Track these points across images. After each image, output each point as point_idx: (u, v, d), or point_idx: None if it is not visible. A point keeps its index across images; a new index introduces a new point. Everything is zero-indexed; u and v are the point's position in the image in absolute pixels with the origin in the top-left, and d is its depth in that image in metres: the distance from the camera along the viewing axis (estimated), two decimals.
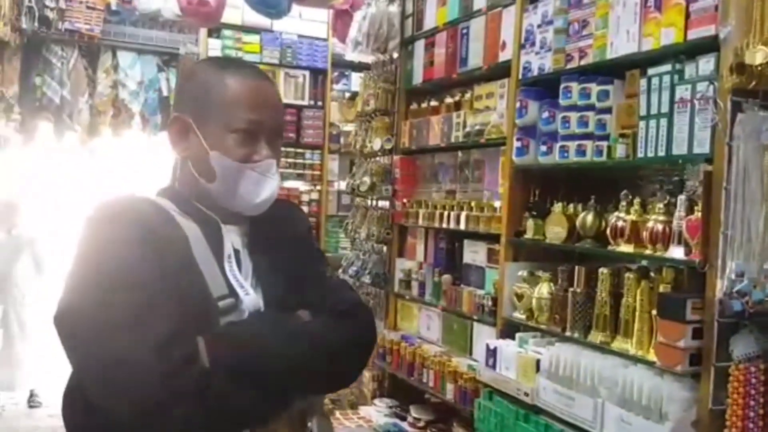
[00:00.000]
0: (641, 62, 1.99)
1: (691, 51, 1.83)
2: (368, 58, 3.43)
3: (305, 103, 5.24)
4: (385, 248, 3.42)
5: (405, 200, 3.24)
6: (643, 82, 1.94)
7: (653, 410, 1.83)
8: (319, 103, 5.26)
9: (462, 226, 2.82)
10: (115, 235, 1.08)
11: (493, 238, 2.67)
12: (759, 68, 1.62)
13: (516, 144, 2.45)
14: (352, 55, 3.51)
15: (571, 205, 2.31)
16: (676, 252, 1.87)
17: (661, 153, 1.88)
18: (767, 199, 1.65)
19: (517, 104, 2.44)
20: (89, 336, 1.02)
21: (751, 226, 1.65)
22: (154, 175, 4.30)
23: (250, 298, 1.19)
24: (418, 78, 3.15)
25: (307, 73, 5.20)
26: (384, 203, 3.36)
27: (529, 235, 2.45)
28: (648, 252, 1.97)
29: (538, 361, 2.26)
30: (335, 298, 1.27)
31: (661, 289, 1.93)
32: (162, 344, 1.01)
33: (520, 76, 2.45)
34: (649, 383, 1.86)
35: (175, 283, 1.09)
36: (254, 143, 1.20)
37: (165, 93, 5.17)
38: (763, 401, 1.73)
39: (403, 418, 3.10)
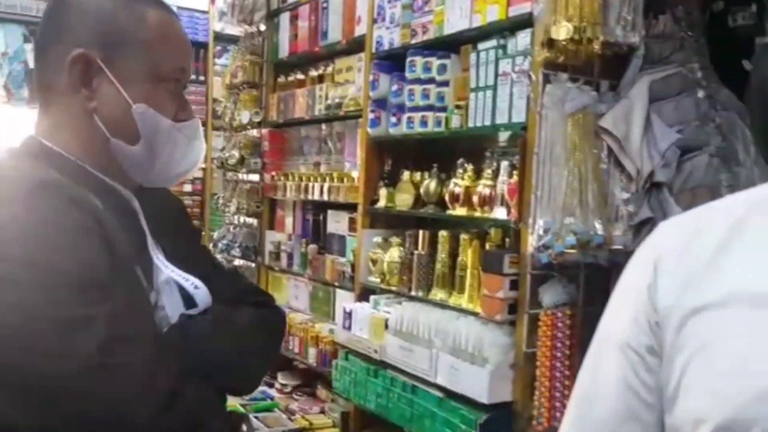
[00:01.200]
0: (474, 38, 2.15)
1: (513, 27, 2.00)
2: (235, 30, 3.46)
3: None
4: (255, 221, 3.47)
5: (274, 173, 3.30)
6: (473, 56, 2.10)
7: (477, 356, 2.00)
8: (201, 78, 5.20)
9: (326, 197, 2.93)
10: (61, 225, 0.81)
11: (354, 208, 2.79)
12: (564, 43, 1.79)
13: (370, 116, 2.57)
14: (217, 26, 3.51)
15: (418, 174, 2.46)
16: (500, 213, 2.05)
17: (488, 122, 2.05)
18: (569, 163, 1.84)
19: (371, 78, 2.56)
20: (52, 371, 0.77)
21: (555, 186, 1.84)
22: None
23: (202, 292, 0.99)
24: (284, 51, 3.22)
25: None
26: (254, 176, 3.41)
27: (382, 203, 2.58)
28: (477, 214, 2.14)
29: (387, 321, 2.40)
30: (241, 287, 1.14)
31: (488, 247, 2.11)
32: (147, 376, 0.81)
33: (373, 50, 2.57)
34: (474, 332, 2.04)
35: (128, 287, 0.87)
36: (179, 98, 0.98)
37: (32, 65, 4.96)
38: (569, 343, 1.93)
39: (271, 385, 3.19)
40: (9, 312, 0.76)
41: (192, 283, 0.97)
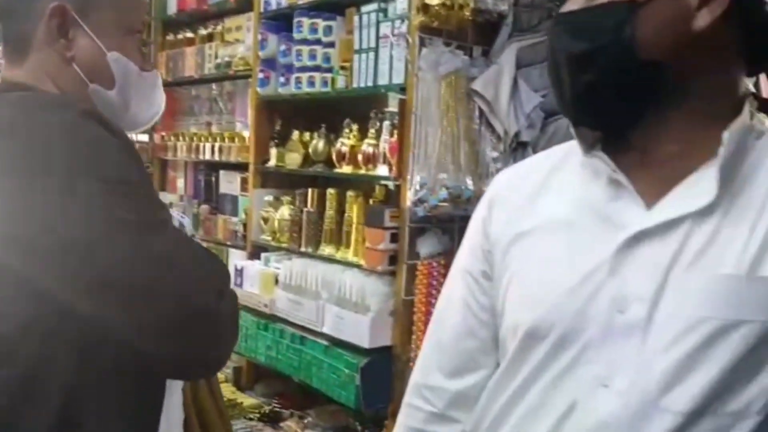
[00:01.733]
0: (358, 0, 2.22)
1: None
2: None
3: None
4: None
5: (164, 133, 3.28)
6: (357, 18, 2.18)
7: (360, 305, 2.13)
8: None
9: (217, 157, 2.95)
10: (108, 141, 0.87)
11: (245, 168, 2.83)
12: (437, 8, 1.90)
13: (259, 76, 2.61)
14: None
15: (307, 134, 2.53)
16: (382, 170, 2.16)
17: (370, 83, 2.15)
18: (443, 122, 1.97)
19: (259, 37, 2.59)
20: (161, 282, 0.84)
21: (429, 144, 1.96)
22: None
23: (188, 221, 1.08)
24: (172, 8, 3.17)
25: None
26: (143, 137, 3.36)
27: (272, 162, 2.64)
28: (362, 172, 2.25)
29: (276, 276, 2.48)
30: None
31: (372, 203, 2.22)
32: (206, 271, 0.90)
33: (261, 10, 2.59)
34: (358, 283, 2.16)
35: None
36: (141, 50, 1.05)
37: None
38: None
39: None
40: (100, 223, 0.82)
41: (178, 213, 1.05)
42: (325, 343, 2.23)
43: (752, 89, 1.99)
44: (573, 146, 0.90)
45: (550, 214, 0.84)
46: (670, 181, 0.76)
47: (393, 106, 2.13)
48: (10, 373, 0.83)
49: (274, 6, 2.53)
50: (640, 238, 0.75)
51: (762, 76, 1.93)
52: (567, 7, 0.80)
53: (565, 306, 0.77)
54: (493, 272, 0.89)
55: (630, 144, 0.79)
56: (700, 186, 0.74)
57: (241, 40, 2.80)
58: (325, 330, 2.23)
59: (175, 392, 0.99)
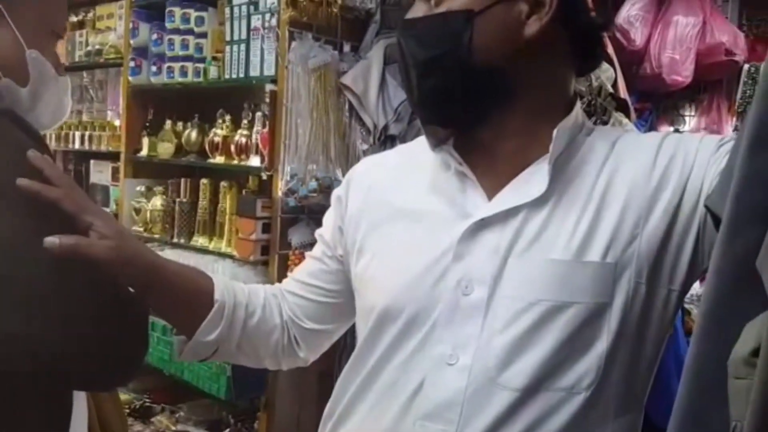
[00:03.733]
0: None
1: None
2: None
3: None
4: None
5: None
6: (228, 10, 2.18)
7: None
8: None
9: (87, 147, 2.85)
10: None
11: (117, 157, 2.76)
12: (305, 3, 1.95)
13: (131, 64, 2.56)
14: None
15: (180, 123, 2.50)
16: (255, 161, 2.19)
17: (242, 74, 2.16)
18: (313, 115, 2.02)
19: (131, 25, 2.53)
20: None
21: (300, 136, 2.01)
22: None
23: None
24: None
25: None
26: None
27: (144, 152, 2.60)
28: (235, 162, 2.26)
29: None
30: None
31: (245, 194, 2.24)
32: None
33: None
34: (230, 273, 2.17)
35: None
36: (56, 55, 1.01)
37: None
38: None
39: None
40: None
41: None
42: None
43: (611, 90, 2.16)
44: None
45: (403, 203, 0.89)
46: (509, 174, 0.82)
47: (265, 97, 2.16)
48: None
49: None
50: (481, 225, 0.80)
51: (620, 78, 2.13)
52: (411, 14, 0.84)
53: (415, 289, 0.82)
54: (340, 248, 0.94)
55: (475, 140, 0.85)
56: (534, 179, 0.80)
57: (113, 27, 2.73)
58: None
59: (80, 398, 0.98)
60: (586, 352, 0.76)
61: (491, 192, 0.83)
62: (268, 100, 2.10)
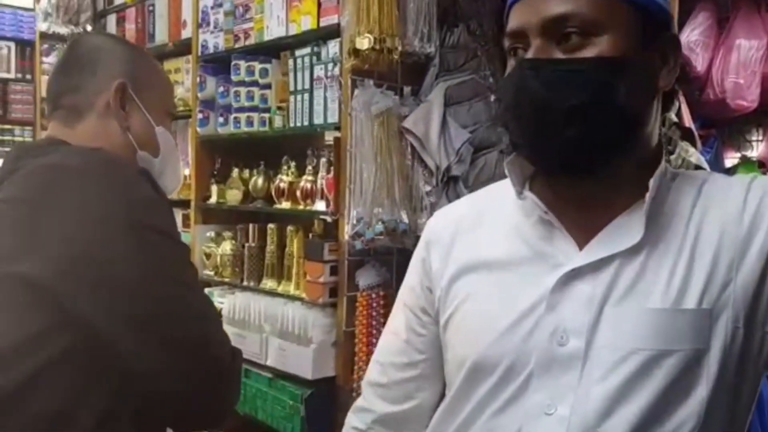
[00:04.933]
0: (292, 44, 2.31)
1: (324, 36, 2.19)
2: (61, 30, 3.39)
3: (12, 76, 4.94)
4: None
5: None
6: (291, 62, 2.27)
7: (303, 337, 2.19)
8: (29, 77, 4.98)
9: None
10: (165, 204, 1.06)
11: (187, 205, 2.87)
12: (366, 52, 2.01)
13: (198, 116, 2.67)
14: (42, 26, 3.44)
15: (246, 170, 2.59)
16: (320, 205, 2.24)
17: (306, 122, 2.23)
18: (376, 158, 2.06)
19: (198, 79, 2.65)
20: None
21: (365, 180, 2.06)
22: None
23: None
24: None
25: (12, 44, 4.91)
26: None
27: (213, 199, 2.69)
28: (301, 207, 2.32)
29: (221, 310, 2.52)
30: None
31: (311, 237, 2.29)
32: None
33: (199, 53, 2.66)
34: (300, 315, 2.21)
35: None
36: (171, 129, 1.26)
37: None
38: (383, 321, 2.16)
39: None
40: (153, 270, 0.95)
41: None
42: (269, 375, 2.28)
43: (675, 119, 2.13)
44: (502, 187, 0.96)
45: (486, 253, 0.89)
46: (598, 223, 0.82)
47: (330, 145, 2.22)
48: (41, 408, 0.86)
49: (211, 50, 2.61)
50: (574, 275, 0.80)
51: (684, 106, 2.10)
52: (539, 54, 0.78)
53: (508, 341, 0.82)
54: (433, 309, 0.95)
55: (571, 188, 0.84)
56: (628, 227, 0.80)
57: (180, 81, 2.85)
58: (269, 363, 2.27)
59: None
60: (687, 399, 0.76)
61: (580, 241, 0.83)
62: (331, 145, 2.16)
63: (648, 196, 0.79)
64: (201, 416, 1.01)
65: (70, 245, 0.90)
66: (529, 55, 0.79)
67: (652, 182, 0.80)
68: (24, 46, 4.95)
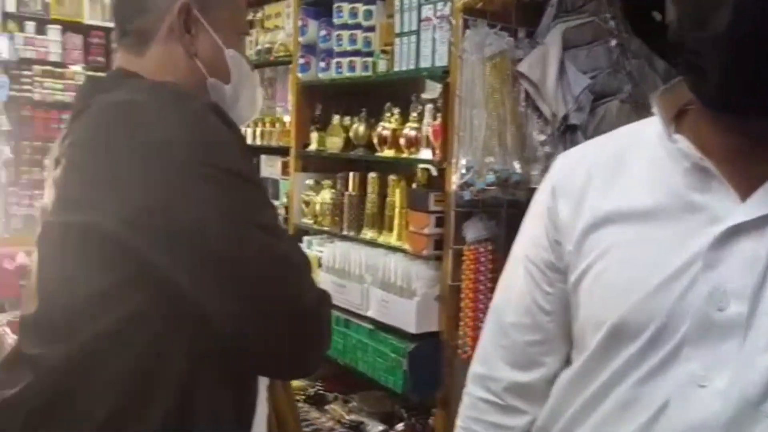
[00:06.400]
0: None
1: None
2: None
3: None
4: None
5: None
6: (397, 1, 2.16)
7: (405, 289, 2.13)
8: None
9: (258, 141, 2.97)
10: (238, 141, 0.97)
11: (286, 152, 2.85)
12: None
13: (299, 61, 2.61)
14: None
15: (347, 118, 2.53)
16: (425, 154, 2.15)
17: (412, 66, 2.13)
18: (488, 104, 1.94)
19: (299, 23, 2.59)
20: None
21: (475, 127, 1.94)
22: None
23: None
24: None
25: None
26: None
27: (313, 146, 2.65)
28: (404, 155, 2.24)
29: (320, 259, 2.50)
30: None
31: (414, 187, 2.22)
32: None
33: None
34: (402, 267, 2.16)
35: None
36: (245, 50, 1.13)
37: None
38: (491, 276, 2.07)
39: None
40: (226, 215, 0.87)
41: None
42: (370, 327, 2.25)
43: None
44: (635, 130, 0.86)
45: (627, 202, 0.79)
46: (762, 175, 0.72)
47: (431, 94, 2.11)
48: (121, 369, 0.84)
49: None
50: (736, 231, 0.71)
51: None
52: None
53: (657, 302, 0.74)
54: (562, 263, 0.85)
55: (745, 132, 0.73)
56: None
57: (281, 26, 2.80)
58: (370, 314, 2.24)
59: (261, 388, 1.01)
60: None
61: (741, 193, 0.73)
62: (434, 95, 2.06)
63: None
64: (289, 362, 0.95)
65: (138, 192, 0.85)
66: None
67: None
68: None
